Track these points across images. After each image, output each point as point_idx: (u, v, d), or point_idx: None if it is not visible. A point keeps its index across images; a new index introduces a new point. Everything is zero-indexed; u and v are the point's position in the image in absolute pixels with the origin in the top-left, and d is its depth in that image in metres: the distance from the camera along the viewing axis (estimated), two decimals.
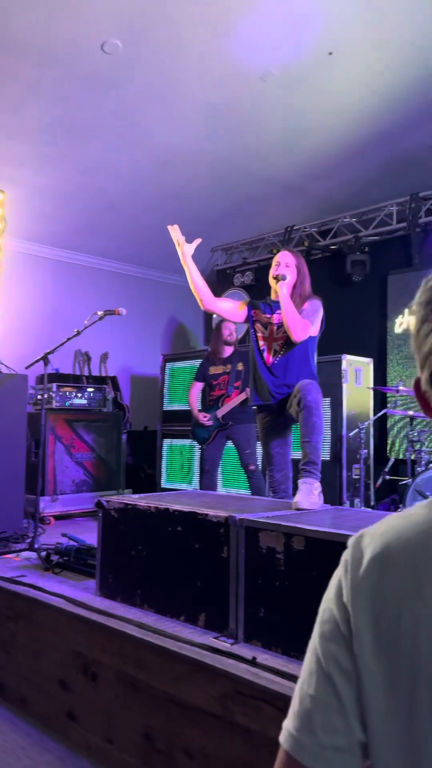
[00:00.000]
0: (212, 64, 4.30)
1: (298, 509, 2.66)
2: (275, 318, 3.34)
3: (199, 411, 5.02)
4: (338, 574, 0.77)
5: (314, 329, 3.28)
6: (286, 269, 3.29)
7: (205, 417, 4.96)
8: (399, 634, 0.67)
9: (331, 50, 4.17)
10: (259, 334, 3.39)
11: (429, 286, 0.75)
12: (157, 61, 4.26)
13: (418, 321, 0.75)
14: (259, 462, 4.85)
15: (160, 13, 3.80)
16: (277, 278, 3.24)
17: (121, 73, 4.35)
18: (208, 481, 4.94)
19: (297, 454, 3.12)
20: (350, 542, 0.78)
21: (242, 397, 4.81)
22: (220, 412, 4.89)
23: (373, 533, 0.76)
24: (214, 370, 5.10)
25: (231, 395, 4.87)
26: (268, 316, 3.38)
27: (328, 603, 0.76)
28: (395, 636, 0.67)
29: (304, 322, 3.18)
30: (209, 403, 5.03)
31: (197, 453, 5.87)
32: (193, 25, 3.91)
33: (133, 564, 2.67)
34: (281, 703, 1.85)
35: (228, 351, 5.07)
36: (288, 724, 0.75)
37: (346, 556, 0.77)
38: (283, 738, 0.74)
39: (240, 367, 4.93)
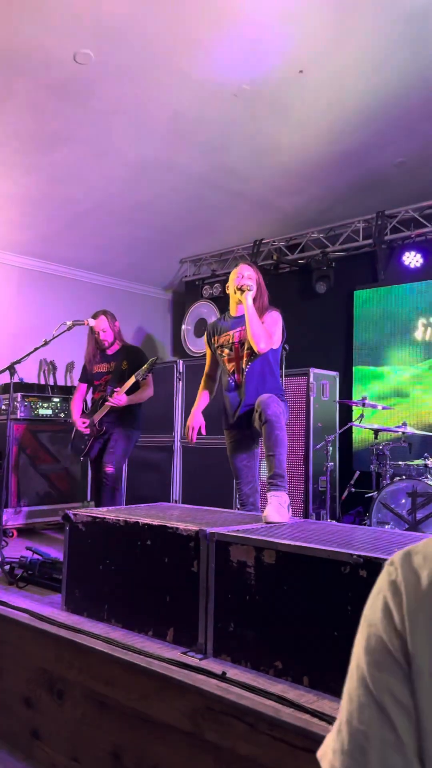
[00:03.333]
0: (184, 78, 4.33)
1: (268, 522, 2.67)
2: (236, 336, 3.36)
3: (82, 416, 4.53)
4: (383, 596, 0.70)
5: (276, 340, 3.30)
6: (248, 281, 3.31)
7: (83, 423, 4.45)
8: None
9: (301, 68, 4.24)
10: (225, 358, 3.41)
11: None
12: (129, 73, 4.27)
13: None
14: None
15: (133, 25, 3.81)
16: (242, 289, 3.25)
17: (93, 84, 4.35)
18: (103, 492, 4.32)
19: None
20: (397, 561, 0.71)
21: (127, 399, 4.25)
22: (97, 417, 4.38)
23: (426, 553, 0.69)
24: (97, 368, 4.56)
25: (115, 396, 4.25)
26: (230, 333, 3.38)
27: (374, 628, 0.69)
28: None
29: (268, 332, 3.22)
30: (90, 407, 4.55)
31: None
32: (166, 39, 3.94)
33: (100, 578, 2.63)
34: (251, 718, 1.85)
35: (112, 348, 4.55)
36: (336, 763, 0.67)
37: (393, 576, 0.70)
38: None
39: (125, 366, 4.39)
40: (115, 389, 4.26)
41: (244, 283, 3.27)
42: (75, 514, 2.79)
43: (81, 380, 4.69)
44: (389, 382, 6.00)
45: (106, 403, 4.29)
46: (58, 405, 5.77)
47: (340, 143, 5.13)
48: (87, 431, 4.41)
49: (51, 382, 6.97)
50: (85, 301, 7.40)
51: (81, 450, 4.49)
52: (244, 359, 3.31)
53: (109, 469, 4.26)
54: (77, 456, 4.58)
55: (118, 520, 2.60)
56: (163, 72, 4.25)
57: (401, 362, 5.95)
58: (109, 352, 4.53)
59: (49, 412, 5.68)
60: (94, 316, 4.50)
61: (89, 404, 4.74)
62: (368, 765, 0.65)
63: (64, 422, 5.77)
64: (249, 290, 3.22)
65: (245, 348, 3.31)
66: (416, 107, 4.62)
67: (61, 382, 7.04)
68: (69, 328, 3.81)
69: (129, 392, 4.28)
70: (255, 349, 3.18)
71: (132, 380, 4.22)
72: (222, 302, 7.02)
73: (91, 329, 4.52)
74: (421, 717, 0.63)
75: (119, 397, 4.22)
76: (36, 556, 3.37)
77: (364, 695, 0.67)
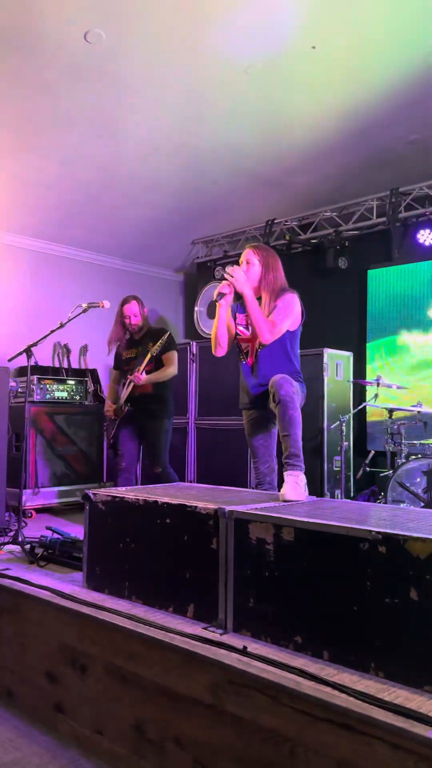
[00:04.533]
0: (195, 56, 4.28)
1: (285, 501, 2.69)
2: (244, 319, 3.36)
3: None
4: None
5: (288, 324, 3.24)
6: (248, 267, 3.27)
7: (110, 406, 4.55)
8: None
9: (314, 44, 4.18)
10: (240, 336, 3.40)
11: None
12: (140, 52, 4.23)
13: None
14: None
15: (144, 3, 3.77)
16: (216, 297, 3.19)
17: (104, 64, 4.32)
18: (123, 480, 4.45)
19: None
20: None
21: (147, 377, 4.31)
22: (123, 395, 4.42)
23: None
24: (126, 354, 4.65)
25: (135, 375, 4.34)
26: (241, 316, 3.38)
27: None
28: None
29: (270, 323, 3.14)
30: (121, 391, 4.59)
31: None
32: (177, 16, 3.89)
33: (120, 556, 2.67)
34: (272, 691, 1.88)
35: (141, 332, 4.61)
36: None
37: None
38: None
39: (150, 347, 4.40)
40: (146, 369, 4.33)
41: (221, 291, 3.16)
42: (95, 494, 2.83)
43: (114, 367, 4.75)
44: (404, 361, 5.98)
45: (129, 384, 4.36)
46: (73, 387, 5.82)
47: (353, 120, 5.06)
48: (112, 416, 4.47)
49: (65, 365, 7.02)
50: (98, 283, 7.42)
51: (110, 434, 4.57)
52: (258, 341, 3.31)
53: (157, 469, 4.37)
54: (109, 441, 4.63)
55: (138, 499, 2.64)
56: (175, 50, 4.21)
57: (416, 342, 5.92)
58: (137, 337, 4.59)
59: (65, 394, 5.73)
60: (126, 301, 4.57)
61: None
62: None
63: (79, 405, 5.82)
64: (220, 297, 3.14)
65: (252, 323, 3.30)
66: (430, 83, 4.55)
67: (75, 365, 7.08)
68: (84, 311, 3.83)
69: (152, 372, 4.34)
70: (260, 340, 3.18)
71: (148, 357, 4.27)
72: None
73: (120, 313, 4.57)
74: None
75: (138, 376, 4.28)
76: (56, 536, 3.42)
77: None
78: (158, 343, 4.27)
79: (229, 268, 3.19)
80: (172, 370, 4.47)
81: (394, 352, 6.06)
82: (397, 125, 5.12)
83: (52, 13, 3.83)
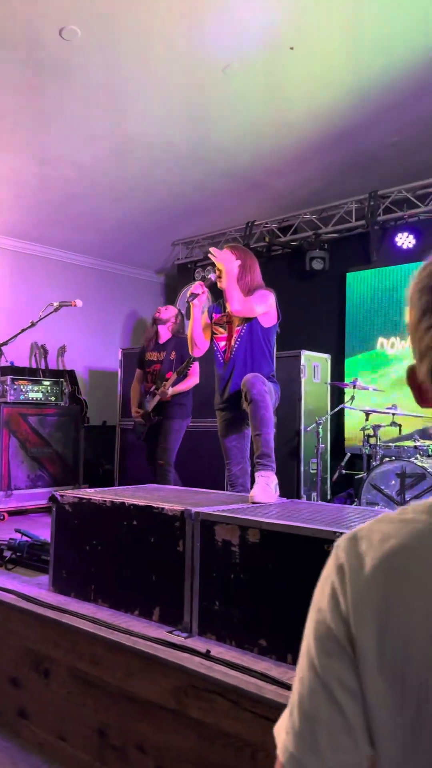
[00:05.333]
0: (173, 55, 4.26)
1: (254, 503, 2.66)
2: (227, 316, 3.36)
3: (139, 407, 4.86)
4: (330, 581, 0.71)
5: (261, 310, 3.26)
6: (222, 268, 3.30)
7: (137, 413, 4.77)
8: (408, 651, 0.63)
9: (292, 45, 4.17)
10: (217, 336, 3.40)
11: (428, 272, 0.70)
12: (117, 49, 4.19)
13: (417, 311, 0.70)
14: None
15: (120, 1, 3.74)
16: (189, 298, 3.28)
17: (80, 60, 4.27)
18: (158, 477, 4.67)
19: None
20: (342, 545, 0.72)
21: (173, 390, 4.56)
22: (150, 406, 4.68)
23: (371, 538, 0.70)
24: (149, 356, 4.84)
25: (162, 390, 4.58)
26: (223, 314, 3.39)
27: (321, 614, 0.70)
28: (403, 652, 0.63)
29: (248, 300, 3.21)
30: (145, 395, 4.80)
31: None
32: (155, 13, 3.87)
33: (86, 559, 2.63)
34: (235, 695, 1.85)
35: (164, 336, 4.80)
36: (288, 743, 0.69)
37: (340, 560, 0.71)
38: (284, 758, 0.69)
39: (173, 356, 4.66)
40: (164, 382, 4.59)
41: (194, 291, 3.27)
42: (62, 496, 2.78)
43: (138, 367, 4.97)
44: (380, 364, 5.99)
45: (156, 397, 4.64)
46: (49, 389, 5.75)
47: (333, 122, 5.06)
48: (141, 421, 4.75)
49: (42, 366, 6.95)
50: (77, 283, 7.37)
51: (140, 435, 4.81)
52: (234, 337, 3.30)
53: (161, 462, 4.62)
54: (138, 439, 4.91)
55: (104, 501, 2.59)
56: (153, 48, 4.18)
57: (392, 345, 5.93)
58: (161, 341, 4.80)
59: (40, 395, 5.66)
60: (165, 307, 4.91)
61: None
62: (318, 745, 0.67)
63: (54, 406, 5.76)
64: (193, 297, 3.25)
65: (234, 326, 3.31)
66: (410, 86, 4.56)
67: (52, 366, 7.02)
68: (56, 309, 3.78)
69: (175, 382, 4.62)
70: (229, 309, 3.21)
71: (174, 376, 4.57)
72: (214, 286, 6.97)
73: (155, 320, 4.85)
74: (366, 700, 0.66)
75: (163, 392, 4.56)
76: (25, 538, 3.36)
77: (314, 680, 0.69)
78: (183, 366, 4.50)
79: (212, 249, 3.31)
80: (194, 380, 4.70)
81: (370, 356, 6.06)
82: (377, 129, 5.13)
83: (26, 9, 3.78)
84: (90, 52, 4.20)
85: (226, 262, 3.26)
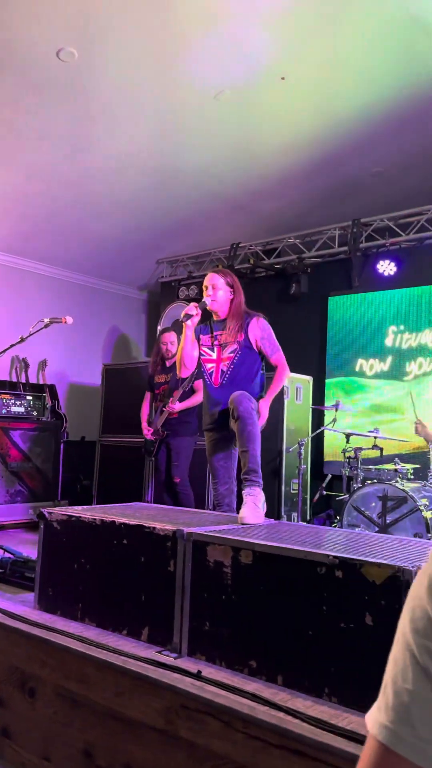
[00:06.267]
0: (166, 79, 4.34)
1: (243, 523, 2.69)
2: (218, 339, 3.39)
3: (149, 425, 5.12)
4: (428, 572, 0.77)
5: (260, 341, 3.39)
6: (214, 292, 3.37)
7: (148, 429, 5.00)
8: None
9: (284, 75, 4.29)
10: (205, 357, 3.43)
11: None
12: (112, 73, 4.27)
13: None
14: (200, 476, 4.87)
15: (118, 24, 3.82)
16: (183, 318, 3.28)
17: (75, 82, 4.34)
18: (161, 490, 4.98)
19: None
20: None
21: (180, 405, 4.81)
22: (158, 422, 4.93)
23: None
24: (157, 378, 5.15)
25: (169, 405, 4.88)
26: (213, 335, 3.41)
27: (419, 600, 0.76)
28: None
29: (280, 366, 3.38)
30: (153, 414, 5.10)
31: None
32: (150, 38, 3.95)
33: (74, 577, 2.63)
34: (226, 716, 1.86)
35: (170, 361, 5.10)
36: (381, 717, 0.75)
37: None
38: (376, 731, 0.74)
39: (171, 402, 4.93)
40: (170, 398, 4.85)
41: (188, 312, 3.29)
42: (50, 513, 2.78)
43: (147, 389, 5.25)
44: (361, 388, 6.09)
45: (164, 411, 4.88)
46: (31, 403, 5.72)
47: (318, 150, 5.19)
48: (152, 437, 4.95)
49: (23, 380, 6.91)
50: (62, 298, 7.37)
51: (150, 452, 5.01)
52: (226, 362, 3.34)
53: (177, 479, 4.81)
54: (149, 456, 5.14)
55: (94, 519, 2.60)
56: (146, 71, 4.26)
57: (371, 367, 6.04)
58: (168, 363, 5.04)
59: (21, 410, 5.64)
60: (165, 330, 5.19)
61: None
62: (410, 719, 0.72)
63: (36, 420, 5.73)
64: (187, 318, 3.27)
65: (224, 350, 3.35)
66: (394, 118, 4.71)
67: (33, 380, 6.98)
68: (46, 326, 3.79)
69: (182, 398, 4.84)
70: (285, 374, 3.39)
71: (180, 391, 4.84)
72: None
73: (158, 340, 5.16)
74: None
75: (172, 406, 4.79)
76: (7, 555, 3.34)
77: (409, 658, 0.74)
78: (185, 383, 4.75)
79: (210, 291, 3.38)
80: (200, 396, 4.80)
81: (351, 380, 6.16)
82: (361, 158, 5.28)
83: (25, 30, 3.84)
84: (85, 74, 4.26)
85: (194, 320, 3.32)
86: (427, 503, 4.16)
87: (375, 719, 0.75)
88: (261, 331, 3.34)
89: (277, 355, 3.38)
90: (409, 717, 0.72)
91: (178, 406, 4.82)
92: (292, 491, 5.30)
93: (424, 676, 0.72)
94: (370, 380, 6.00)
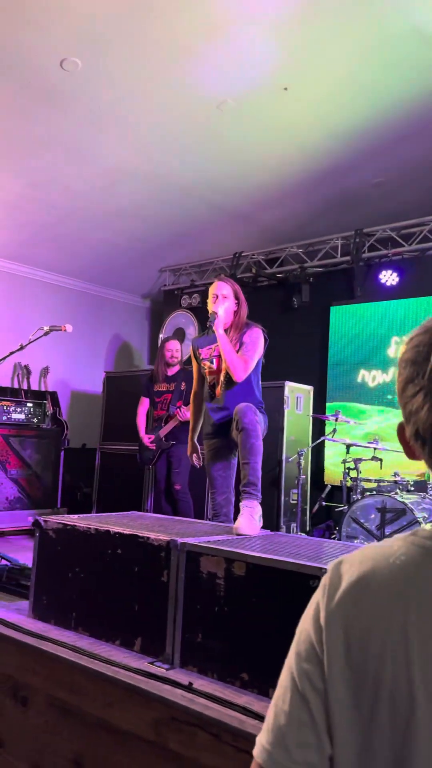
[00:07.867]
0: (169, 89, 4.37)
1: (238, 534, 2.68)
2: (217, 350, 3.38)
3: (147, 433, 5.10)
4: (317, 597, 0.80)
5: (254, 364, 3.31)
6: (224, 300, 3.32)
7: (149, 438, 5.00)
8: (366, 656, 0.72)
9: (286, 86, 4.31)
10: (207, 370, 3.43)
11: (413, 344, 0.78)
12: (115, 83, 4.30)
13: (403, 379, 0.78)
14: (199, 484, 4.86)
15: (121, 34, 3.84)
16: (211, 317, 3.26)
17: (78, 91, 4.36)
18: (160, 500, 4.97)
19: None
20: (330, 567, 0.82)
21: (185, 416, 4.83)
22: (162, 432, 4.92)
23: (352, 560, 0.79)
24: (157, 387, 5.14)
25: (173, 415, 4.87)
26: (212, 346, 3.40)
27: (305, 624, 0.79)
28: (363, 657, 0.72)
29: (243, 361, 3.22)
30: (153, 423, 5.07)
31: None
32: (153, 49, 3.98)
33: (69, 586, 2.62)
34: (216, 729, 1.85)
35: (173, 370, 5.11)
36: (262, 738, 0.77)
37: (324, 580, 0.80)
38: (257, 752, 0.77)
39: (183, 386, 4.93)
40: (179, 406, 4.83)
41: (216, 307, 3.27)
42: (45, 521, 2.78)
43: (144, 395, 5.22)
44: (362, 398, 6.08)
45: (173, 419, 4.86)
46: (32, 410, 5.73)
47: (320, 161, 5.21)
48: (153, 446, 4.95)
49: (25, 387, 6.93)
50: (63, 305, 7.40)
51: (150, 460, 5.00)
52: (224, 371, 3.33)
53: (177, 486, 4.85)
54: (146, 466, 5.15)
55: (89, 528, 2.60)
56: (149, 82, 4.29)
57: (374, 378, 6.03)
58: (170, 373, 5.05)
59: (22, 417, 5.64)
60: (167, 340, 5.18)
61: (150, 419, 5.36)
62: (286, 741, 0.75)
63: (36, 427, 5.74)
64: (214, 319, 3.23)
65: (223, 362, 3.35)
66: (396, 129, 4.73)
67: (35, 387, 7.00)
68: (46, 333, 3.80)
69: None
70: (234, 379, 3.21)
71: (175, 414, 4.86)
72: (200, 313, 7.05)
73: (163, 347, 5.17)
74: (329, 698, 0.74)
75: (185, 412, 4.71)
76: (4, 562, 3.34)
77: (289, 681, 0.77)
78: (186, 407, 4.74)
79: (221, 301, 3.29)
80: None
81: (356, 399, 6.14)
82: (363, 169, 5.29)
83: (29, 39, 3.87)
84: (89, 83, 4.29)
85: (220, 327, 3.25)
86: (426, 516, 4.14)
87: (258, 740, 0.77)
88: (248, 338, 3.29)
89: (244, 358, 3.24)
90: (284, 740, 0.74)
91: (189, 414, 4.82)
92: (291, 501, 5.29)
93: (301, 700, 0.75)
94: (369, 406, 5.97)
